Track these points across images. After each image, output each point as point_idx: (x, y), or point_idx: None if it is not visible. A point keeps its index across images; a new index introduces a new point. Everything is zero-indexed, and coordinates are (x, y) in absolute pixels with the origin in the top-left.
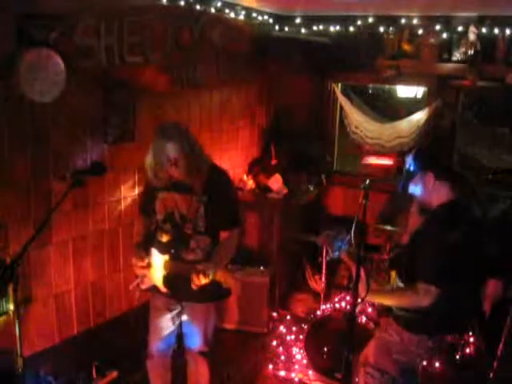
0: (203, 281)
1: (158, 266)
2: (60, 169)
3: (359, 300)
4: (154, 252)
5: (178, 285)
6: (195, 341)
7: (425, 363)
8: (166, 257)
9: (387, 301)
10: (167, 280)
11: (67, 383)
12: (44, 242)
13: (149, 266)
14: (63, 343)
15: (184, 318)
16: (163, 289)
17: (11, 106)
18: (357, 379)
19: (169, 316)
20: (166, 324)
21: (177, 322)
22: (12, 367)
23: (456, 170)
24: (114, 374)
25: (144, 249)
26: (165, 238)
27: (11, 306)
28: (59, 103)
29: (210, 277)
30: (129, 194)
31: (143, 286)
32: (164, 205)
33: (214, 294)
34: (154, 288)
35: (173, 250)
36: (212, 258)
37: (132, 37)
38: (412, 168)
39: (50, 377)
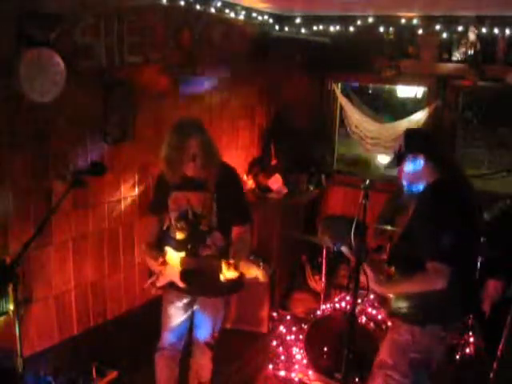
0: (233, 274)
1: (174, 262)
2: (60, 169)
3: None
4: (169, 250)
5: (195, 280)
6: (203, 332)
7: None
8: (182, 253)
9: (399, 289)
10: (185, 276)
11: (67, 383)
12: (44, 242)
13: (164, 263)
14: (63, 343)
15: (195, 308)
16: (181, 284)
17: (11, 105)
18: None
19: (181, 307)
20: (179, 317)
21: (189, 313)
22: (12, 367)
23: (445, 152)
24: (114, 373)
25: (157, 247)
26: (180, 236)
27: (11, 306)
28: (59, 103)
29: (238, 271)
30: (129, 193)
31: (159, 284)
32: (177, 203)
33: (228, 287)
34: (169, 284)
35: (189, 246)
36: (234, 252)
37: (132, 37)
38: (403, 149)
39: (49, 377)
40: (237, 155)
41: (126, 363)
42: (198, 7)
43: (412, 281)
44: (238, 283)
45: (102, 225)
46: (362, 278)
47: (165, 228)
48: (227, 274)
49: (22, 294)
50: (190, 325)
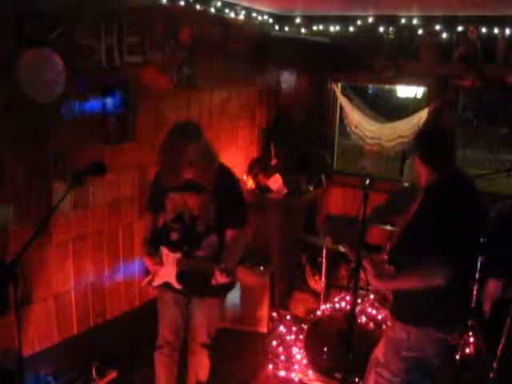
0: (224, 279)
1: (170, 263)
2: (60, 169)
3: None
4: (165, 250)
5: (190, 281)
6: (199, 332)
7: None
8: (178, 254)
9: (398, 284)
10: (181, 277)
11: (67, 383)
12: (44, 243)
13: (160, 263)
14: (63, 343)
15: (190, 309)
16: (177, 286)
17: (11, 105)
18: (368, 380)
19: (177, 308)
20: (176, 316)
21: (184, 313)
22: (12, 367)
23: (446, 154)
24: (114, 373)
25: (153, 246)
26: (175, 236)
27: (11, 306)
28: (59, 103)
29: (230, 276)
30: (129, 194)
31: (155, 283)
32: (174, 204)
33: (221, 288)
34: (165, 284)
35: (185, 248)
36: (226, 256)
37: (132, 37)
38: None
39: (49, 377)
40: (237, 155)
41: (126, 363)
42: (197, 7)
43: (410, 276)
44: (230, 284)
45: (101, 225)
46: (362, 277)
47: (160, 225)
48: (219, 278)
49: (21, 294)
50: (187, 324)
